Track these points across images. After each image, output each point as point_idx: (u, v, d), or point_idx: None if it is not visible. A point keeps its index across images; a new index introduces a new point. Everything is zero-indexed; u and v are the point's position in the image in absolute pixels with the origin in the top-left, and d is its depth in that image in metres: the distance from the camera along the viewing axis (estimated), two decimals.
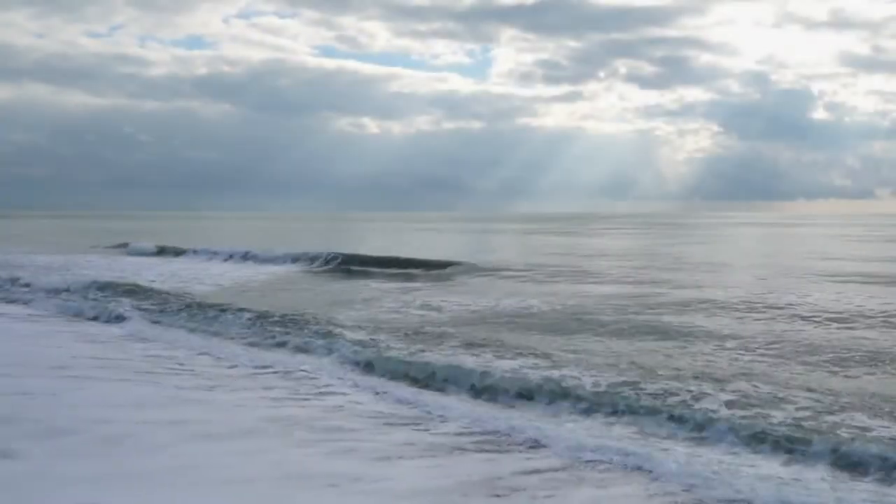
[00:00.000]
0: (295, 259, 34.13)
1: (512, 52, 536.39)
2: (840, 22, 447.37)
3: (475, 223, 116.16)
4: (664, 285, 22.77)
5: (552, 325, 15.70)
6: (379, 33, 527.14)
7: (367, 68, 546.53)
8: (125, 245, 45.95)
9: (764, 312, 16.90)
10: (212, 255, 37.71)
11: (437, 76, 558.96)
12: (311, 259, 33.52)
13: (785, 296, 19.42)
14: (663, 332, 14.57)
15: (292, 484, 6.82)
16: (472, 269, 28.55)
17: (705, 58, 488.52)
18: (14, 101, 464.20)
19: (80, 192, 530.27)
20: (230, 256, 36.50)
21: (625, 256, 37.94)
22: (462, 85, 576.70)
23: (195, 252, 39.13)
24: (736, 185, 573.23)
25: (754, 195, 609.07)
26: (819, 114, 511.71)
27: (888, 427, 8.43)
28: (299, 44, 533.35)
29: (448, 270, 28.38)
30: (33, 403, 9.02)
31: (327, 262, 32.79)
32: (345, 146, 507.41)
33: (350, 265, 31.49)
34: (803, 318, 16.03)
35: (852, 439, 7.85)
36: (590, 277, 25.74)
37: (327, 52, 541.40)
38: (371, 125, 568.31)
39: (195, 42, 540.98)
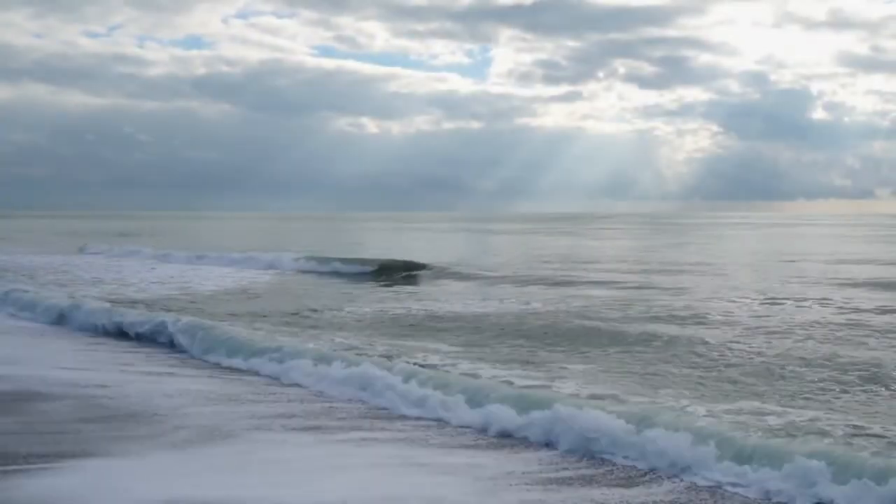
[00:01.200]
0: (272, 263, 34.24)
1: (511, 52, 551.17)
2: (839, 22, 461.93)
3: (473, 223, 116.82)
4: (668, 287, 23.30)
5: (504, 331, 15.68)
6: (377, 33, 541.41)
7: (366, 68, 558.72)
8: (83, 247, 45.95)
9: (768, 317, 16.92)
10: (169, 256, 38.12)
11: (435, 76, 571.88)
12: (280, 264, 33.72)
13: (788, 298, 19.91)
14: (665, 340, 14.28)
15: (412, 470, 7.36)
16: (446, 273, 29.21)
17: (704, 58, 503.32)
18: (14, 101, 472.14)
19: (79, 192, 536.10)
20: (199, 258, 36.75)
21: (624, 258, 38.75)
22: (461, 85, 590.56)
23: (172, 255, 39.18)
24: (736, 185, 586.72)
25: (754, 195, 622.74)
26: (818, 114, 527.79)
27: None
28: (298, 44, 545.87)
29: (422, 273, 29.32)
30: (122, 399, 9.56)
31: (302, 264, 33.10)
32: (344, 146, 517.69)
33: (323, 267, 31.76)
34: (806, 322, 16.17)
35: None
36: (572, 282, 25.77)
37: (326, 51, 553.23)
38: (370, 125, 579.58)
39: (194, 42, 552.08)
